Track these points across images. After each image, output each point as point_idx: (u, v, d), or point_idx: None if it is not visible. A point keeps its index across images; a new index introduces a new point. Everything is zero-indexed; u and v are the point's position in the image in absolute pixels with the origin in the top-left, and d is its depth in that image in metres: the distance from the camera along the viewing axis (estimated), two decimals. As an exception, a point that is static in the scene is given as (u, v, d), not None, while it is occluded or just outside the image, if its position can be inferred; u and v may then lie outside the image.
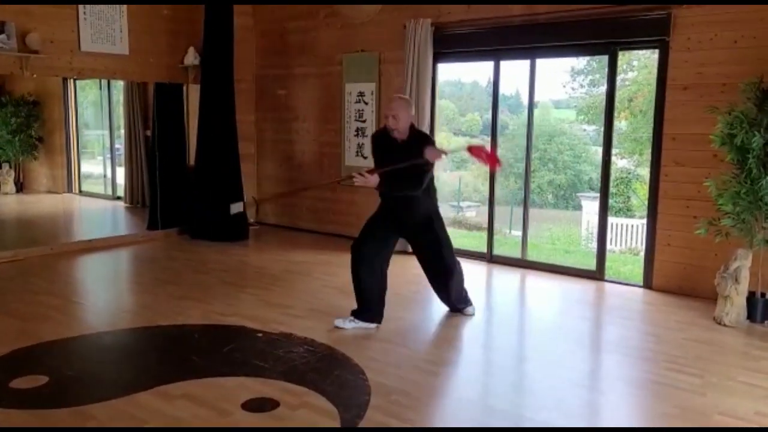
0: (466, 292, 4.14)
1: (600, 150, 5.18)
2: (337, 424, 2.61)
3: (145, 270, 5.43)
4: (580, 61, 11.80)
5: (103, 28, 5.91)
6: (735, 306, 3.93)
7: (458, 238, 7.99)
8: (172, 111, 6.63)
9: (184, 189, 6.62)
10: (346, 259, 5.57)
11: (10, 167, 8.82)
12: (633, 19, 4.63)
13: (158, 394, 2.85)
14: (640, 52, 8.50)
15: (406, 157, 3.53)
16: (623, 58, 9.75)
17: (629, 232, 9.42)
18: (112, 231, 6.94)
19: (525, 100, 5.65)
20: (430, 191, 3.89)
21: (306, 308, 4.17)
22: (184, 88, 6.65)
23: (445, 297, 4.08)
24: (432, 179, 3.88)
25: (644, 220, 5.26)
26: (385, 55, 6.00)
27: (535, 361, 3.43)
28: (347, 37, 6.24)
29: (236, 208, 4.21)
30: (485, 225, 5.90)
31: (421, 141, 3.65)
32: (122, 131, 7.75)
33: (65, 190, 8.70)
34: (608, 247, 5.35)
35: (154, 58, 6.36)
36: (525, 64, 5.33)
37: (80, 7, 5.73)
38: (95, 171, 8.79)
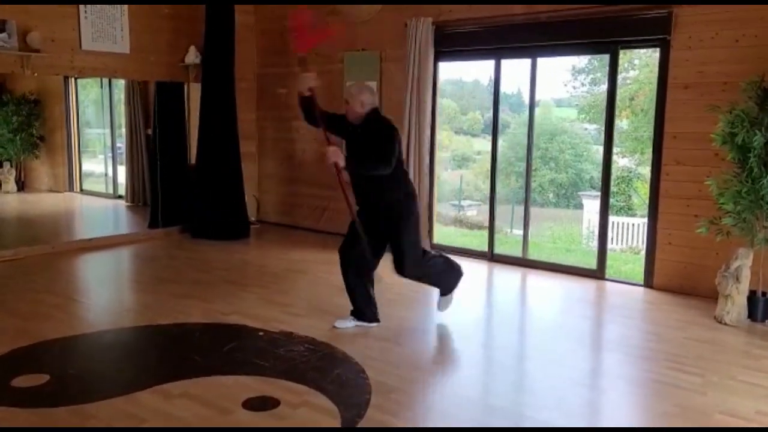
0: (449, 284, 3.90)
1: (601, 149, 5.18)
2: (337, 422, 2.61)
3: (146, 268, 5.43)
4: (582, 60, 11.78)
5: (104, 27, 5.91)
6: (736, 305, 3.93)
7: (459, 237, 8.01)
8: (173, 110, 6.63)
9: (185, 187, 6.62)
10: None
11: (12, 166, 8.83)
12: (634, 18, 4.62)
13: (159, 392, 2.85)
14: (641, 50, 8.49)
15: (357, 141, 3.56)
16: (624, 56, 9.74)
17: (630, 231, 9.41)
18: (113, 230, 6.95)
19: (526, 99, 5.65)
20: (398, 181, 3.60)
21: (307, 307, 4.17)
22: (185, 86, 6.65)
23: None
24: (402, 171, 3.67)
25: (645, 219, 5.26)
26: (386, 53, 5.99)
27: (536, 360, 3.43)
28: (348, 36, 6.23)
29: None
30: (486, 224, 5.90)
31: (372, 126, 3.54)
32: (123, 130, 7.75)
33: (66, 188, 8.70)
34: (609, 245, 5.35)
35: (155, 57, 6.36)
36: (526, 62, 5.32)
37: (81, 5, 5.73)
38: (96, 170, 8.80)
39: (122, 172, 7.91)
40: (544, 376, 3.16)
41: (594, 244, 6.54)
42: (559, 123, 12.72)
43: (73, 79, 8.14)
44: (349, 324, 3.76)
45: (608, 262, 5.14)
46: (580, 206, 11.47)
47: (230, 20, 6.30)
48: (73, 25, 5.71)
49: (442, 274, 3.88)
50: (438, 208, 6.46)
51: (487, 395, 2.98)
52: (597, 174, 11.39)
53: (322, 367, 3.17)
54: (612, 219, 6.95)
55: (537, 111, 5.53)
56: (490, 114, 5.95)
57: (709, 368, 3.25)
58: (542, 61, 5.31)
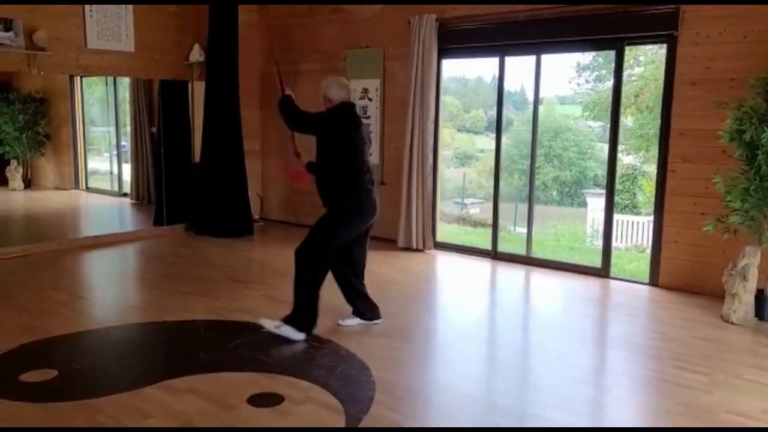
0: (298, 315, 3.51)
1: (605, 146, 5.16)
2: (341, 419, 2.62)
3: (151, 266, 5.45)
4: (586, 57, 11.73)
5: (109, 26, 5.92)
6: (743, 304, 3.91)
7: (462, 235, 8.00)
8: (177, 108, 6.65)
9: (189, 185, 6.64)
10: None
11: (18, 164, 8.87)
12: (641, 14, 4.60)
13: (164, 388, 2.87)
14: (647, 47, 8.44)
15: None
16: (630, 53, 9.68)
17: (635, 229, 9.38)
18: (118, 227, 6.97)
19: (530, 96, 5.64)
20: (351, 191, 3.46)
21: (311, 304, 4.17)
22: (190, 85, 6.66)
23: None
24: (359, 183, 3.47)
25: (650, 217, 5.24)
26: (390, 51, 5.99)
27: (540, 358, 3.42)
28: (351, 34, 6.23)
29: None
30: (489, 221, 5.89)
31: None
32: (128, 128, 7.77)
33: (72, 186, 8.74)
34: (613, 244, 5.33)
35: (160, 55, 6.37)
36: (530, 59, 5.30)
37: (86, 5, 5.74)
38: (102, 167, 8.83)
39: (127, 169, 7.94)
40: (548, 374, 3.15)
41: (598, 242, 6.51)
42: (563, 120, 12.67)
43: (78, 78, 8.16)
44: (353, 322, 3.75)
45: (613, 261, 5.12)
46: (583, 204, 11.43)
47: (234, 19, 6.30)
48: (79, 24, 5.73)
49: (304, 299, 3.52)
50: (441, 206, 6.45)
51: (490, 393, 2.98)
52: (601, 172, 11.34)
53: (326, 363, 3.17)
54: (616, 217, 6.93)
55: (541, 108, 5.51)
56: (493, 112, 5.92)
57: (716, 367, 3.23)
58: (546, 58, 5.30)
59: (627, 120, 10.83)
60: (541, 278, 5.08)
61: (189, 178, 6.66)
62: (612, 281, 4.94)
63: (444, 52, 5.68)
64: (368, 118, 6.18)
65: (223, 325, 3.78)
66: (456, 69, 14.33)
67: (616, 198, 5.53)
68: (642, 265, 5.84)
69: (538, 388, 3.04)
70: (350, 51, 6.25)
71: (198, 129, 6.62)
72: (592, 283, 4.88)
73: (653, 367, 3.25)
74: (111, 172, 8.54)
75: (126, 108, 7.88)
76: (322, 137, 3.51)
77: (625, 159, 10.79)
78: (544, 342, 3.67)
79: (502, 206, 5.82)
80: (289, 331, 3.46)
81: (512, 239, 7.22)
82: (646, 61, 10.69)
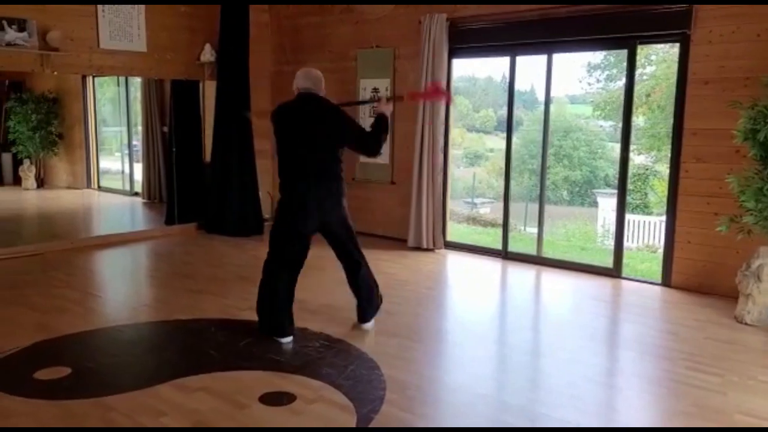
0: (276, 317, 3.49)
1: (616, 146, 5.14)
2: (353, 417, 2.62)
3: (163, 264, 5.48)
4: (597, 56, 11.67)
5: (121, 26, 5.97)
6: (757, 304, 3.87)
7: (473, 235, 7.99)
8: (188, 107, 6.68)
9: (200, 184, 6.67)
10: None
11: (31, 163, 8.96)
12: (653, 13, 4.57)
13: (177, 386, 2.88)
14: (659, 45, 8.38)
15: None
16: (641, 52, 9.62)
17: (646, 230, 9.32)
18: (130, 226, 7.03)
19: (539, 96, 5.62)
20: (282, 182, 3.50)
21: (320, 303, 4.19)
22: (201, 84, 6.70)
23: None
24: (282, 169, 3.46)
25: (661, 217, 5.21)
26: (400, 50, 5.98)
27: (551, 358, 3.41)
28: (362, 33, 6.23)
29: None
30: (499, 221, 5.88)
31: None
32: (140, 127, 7.83)
33: (85, 185, 8.82)
34: (625, 244, 5.30)
35: (171, 55, 6.41)
36: (540, 59, 5.28)
37: (99, 5, 5.78)
38: (113, 167, 8.90)
39: (139, 169, 8.00)
40: (560, 374, 3.14)
41: (609, 242, 6.48)
42: (574, 120, 12.61)
43: (90, 78, 8.23)
44: (370, 325, 3.74)
45: (624, 261, 5.09)
46: (594, 204, 11.37)
47: (245, 18, 6.33)
48: (92, 24, 5.78)
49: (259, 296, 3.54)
50: (451, 205, 6.45)
51: (501, 392, 2.97)
52: (612, 171, 11.29)
53: (337, 362, 3.18)
54: (628, 217, 6.89)
55: (551, 108, 5.48)
56: (502, 111, 5.93)
57: (729, 368, 3.21)
58: (557, 57, 5.27)
59: (638, 119, 10.76)
60: (552, 278, 5.06)
61: (200, 178, 6.70)
62: (624, 281, 4.92)
63: (455, 52, 5.67)
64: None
65: (234, 323, 3.79)
66: (465, 68, 14.31)
67: (628, 198, 5.50)
68: (654, 266, 5.80)
69: (549, 387, 3.03)
70: (360, 51, 6.25)
71: (209, 128, 6.65)
72: (604, 283, 4.85)
73: (666, 367, 3.23)
74: (123, 172, 8.61)
75: (137, 108, 7.94)
76: None
77: (636, 159, 10.73)
78: (556, 342, 3.66)
79: (512, 206, 5.81)
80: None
81: (522, 239, 7.20)
82: (657, 60, 10.62)
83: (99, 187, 8.79)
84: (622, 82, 5.09)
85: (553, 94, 5.39)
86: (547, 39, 5.13)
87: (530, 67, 5.98)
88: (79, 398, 2.75)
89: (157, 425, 2.55)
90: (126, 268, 5.49)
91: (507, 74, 5.60)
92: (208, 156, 6.66)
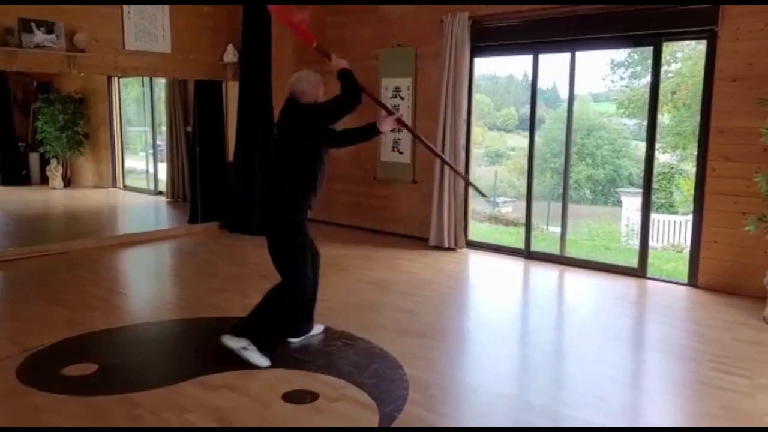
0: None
1: (640, 144, 5.09)
2: (375, 416, 2.63)
3: (186, 263, 5.56)
4: (621, 54, 11.51)
5: (146, 27, 6.06)
6: (786, 305, 3.79)
7: (494, 234, 7.94)
8: (211, 107, 6.76)
9: (223, 184, 6.75)
10: (382, 254, 5.62)
11: (58, 163, 9.17)
12: (679, 10, 4.49)
13: (201, 383, 2.92)
14: (684, 42, 8.23)
15: None
16: (666, 49, 9.48)
17: (672, 229, 9.17)
18: (154, 225, 7.14)
19: (561, 94, 5.57)
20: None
21: (342, 302, 4.21)
22: (224, 85, 6.77)
23: None
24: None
25: (687, 217, 5.12)
26: (422, 49, 5.97)
27: (575, 358, 3.38)
28: (383, 32, 6.23)
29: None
30: (521, 221, 5.83)
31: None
32: (164, 127, 7.95)
33: (110, 185, 8.98)
34: (650, 243, 5.22)
35: (195, 56, 6.48)
36: (563, 57, 5.23)
37: (125, 6, 5.88)
38: (138, 166, 9.05)
39: (163, 168, 8.12)
40: (583, 375, 3.11)
41: (634, 242, 6.39)
42: (597, 118, 12.46)
43: (115, 78, 8.38)
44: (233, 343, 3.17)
45: (650, 261, 5.01)
46: (617, 203, 11.22)
47: (267, 19, 6.37)
48: (117, 26, 5.87)
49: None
50: (473, 204, 6.41)
51: (524, 392, 2.95)
52: (636, 170, 11.12)
53: (360, 361, 3.19)
54: (652, 216, 6.79)
55: (574, 106, 5.42)
56: (524, 110, 5.90)
57: (758, 370, 3.14)
58: (580, 55, 5.21)
59: (663, 117, 10.58)
60: (576, 278, 5.01)
61: (223, 177, 6.77)
62: (649, 281, 4.84)
63: (477, 50, 5.64)
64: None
65: (257, 321, 3.82)
66: (487, 67, 14.24)
67: (653, 197, 5.42)
68: (680, 266, 5.71)
69: (573, 388, 3.00)
70: (382, 50, 6.25)
71: (232, 128, 6.72)
72: (629, 283, 4.79)
73: (692, 369, 3.17)
74: (147, 171, 8.75)
75: (161, 108, 8.06)
76: None
77: (661, 157, 10.56)
78: (579, 342, 3.62)
79: (534, 205, 5.76)
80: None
81: (545, 238, 7.14)
82: (683, 58, 10.43)
83: (124, 186, 8.95)
84: (646, 80, 5.02)
85: (576, 92, 5.33)
86: (571, 37, 5.08)
87: (553, 64, 5.92)
88: (106, 395, 2.80)
89: (181, 422, 2.59)
90: (150, 267, 5.58)
91: (529, 72, 5.55)
92: (231, 156, 6.73)
